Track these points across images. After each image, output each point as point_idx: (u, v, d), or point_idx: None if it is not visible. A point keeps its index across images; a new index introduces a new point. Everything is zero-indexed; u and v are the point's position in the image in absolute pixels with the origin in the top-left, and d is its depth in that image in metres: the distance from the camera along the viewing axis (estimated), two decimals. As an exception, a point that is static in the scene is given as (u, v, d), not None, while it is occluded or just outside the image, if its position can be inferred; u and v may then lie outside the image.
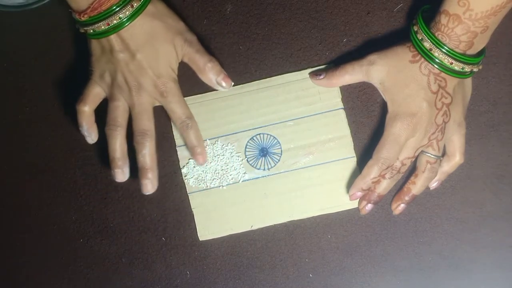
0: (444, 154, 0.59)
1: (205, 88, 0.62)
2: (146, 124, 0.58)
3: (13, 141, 0.65)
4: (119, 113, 0.58)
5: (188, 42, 0.59)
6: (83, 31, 0.57)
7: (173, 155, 0.62)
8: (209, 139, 0.62)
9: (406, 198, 0.59)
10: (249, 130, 0.62)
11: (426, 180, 0.58)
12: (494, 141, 0.61)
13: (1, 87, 0.65)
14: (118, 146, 0.58)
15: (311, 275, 0.62)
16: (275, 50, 0.63)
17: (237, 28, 0.63)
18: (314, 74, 0.60)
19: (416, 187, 0.59)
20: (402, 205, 0.60)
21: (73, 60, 0.64)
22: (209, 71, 0.59)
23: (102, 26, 0.55)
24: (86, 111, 0.59)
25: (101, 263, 0.63)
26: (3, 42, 0.65)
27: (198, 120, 0.61)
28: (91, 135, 0.60)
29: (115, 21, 0.55)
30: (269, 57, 0.63)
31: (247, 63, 0.63)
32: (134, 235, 0.63)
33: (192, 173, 0.62)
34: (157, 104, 0.60)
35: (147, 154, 0.58)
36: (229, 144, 0.62)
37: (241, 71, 0.62)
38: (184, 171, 0.62)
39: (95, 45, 0.58)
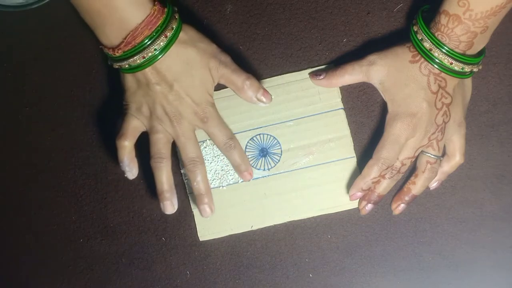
0: (444, 154, 0.59)
1: (205, 88, 0.62)
2: (193, 151, 0.58)
3: (13, 141, 0.65)
4: (162, 145, 0.58)
5: (223, 63, 0.58)
6: (117, 66, 0.56)
7: (174, 155, 0.62)
8: (209, 139, 0.62)
9: (406, 198, 0.59)
10: (249, 130, 0.62)
11: (426, 180, 0.58)
12: (494, 141, 0.61)
13: (1, 87, 0.65)
14: (165, 178, 0.58)
15: (311, 275, 0.62)
16: (275, 50, 0.63)
17: (237, 28, 0.63)
18: (314, 74, 0.60)
19: (416, 187, 0.59)
20: (402, 205, 0.60)
21: (73, 60, 0.64)
22: (248, 89, 0.58)
23: (138, 60, 0.54)
24: (127, 145, 0.58)
25: (101, 263, 0.64)
26: (3, 42, 0.65)
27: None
28: (132, 170, 0.59)
29: (150, 54, 0.54)
30: (269, 57, 0.63)
31: (247, 63, 0.63)
32: (134, 235, 0.63)
33: (192, 173, 0.62)
34: (198, 129, 0.59)
35: (201, 181, 0.59)
36: None
37: (241, 71, 0.62)
38: (184, 171, 0.62)
39: (129, 79, 0.57)
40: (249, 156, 0.62)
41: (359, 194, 0.59)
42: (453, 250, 0.61)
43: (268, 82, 0.62)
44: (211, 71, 0.58)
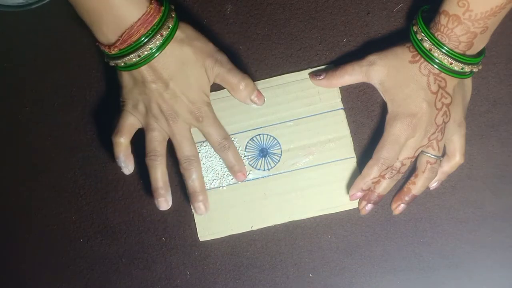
0: (444, 154, 0.59)
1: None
2: (189, 150, 0.59)
3: (13, 141, 0.65)
4: (157, 143, 0.58)
5: (219, 62, 0.58)
6: (113, 64, 0.56)
7: (173, 155, 0.62)
8: (209, 139, 0.62)
9: (406, 198, 0.59)
10: (249, 130, 0.62)
11: (426, 180, 0.58)
12: (494, 141, 0.61)
13: (1, 87, 0.65)
14: (159, 176, 0.59)
15: (311, 275, 0.62)
16: (275, 50, 0.63)
17: (237, 28, 0.63)
18: (314, 75, 0.60)
19: (416, 187, 0.59)
20: (402, 205, 0.60)
21: (73, 60, 0.64)
22: (243, 90, 0.59)
23: (134, 58, 0.54)
24: (123, 142, 0.59)
25: (101, 263, 0.64)
26: (3, 42, 0.65)
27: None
28: (128, 166, 0.60)
29: (146, 52, 0.54)
30: (269, 57, 0.63)
31: (247, 63, 0.63)
32: (134, 235, 0.63)
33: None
34: (193, 127, 0.60)
35: (196, 179, 0.59)
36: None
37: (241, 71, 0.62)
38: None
39: (126, 77, 0.57)
40: (249, 156, 0.62)
41: (359, 194, 0.59)
42: (453, 250, 0.61)
43: (268, 82, 0.62)
44: (206, 70, 0.58)
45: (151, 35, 0.54)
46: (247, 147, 0.62)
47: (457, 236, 0.61)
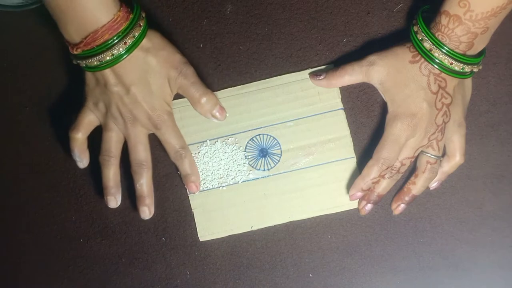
0: (444, 154, 0.59)
1: (205, 88, 0.62)
2: (142, 155, 0.59)
3: (13, 141, 0.65)
4: (112, 144, 0.59)
5: (183, 75, 0.58)
6: (75, 63, 0.57)
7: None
8: (209, 140, 0.62)
9: (406, 198, 0.59)
10: (249, 130, 0.62)
11: (426, 181, 0.58)
12: (494, 141, 0.61)
13: (1, 87, 0.65)
14: (111, 175, 0.60)
15: (311, 275, 0.62)
16: (275, 50, 0.63)
17: (237, 28, 0.63)
18: (314, 75, 0.60)
19: (416, 187, 0.59)
20: (402, 205, 0.60)
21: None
22: (205, 104, 0.59)
23: (94, 62, 0.55)
24: (79, 138, 0.60)
25: (101, 263, 0.64)
26: (3, 42, 0.65)
27: (198, 121, 0.62)
28: (82, 161, 0.61)
29: (107, 58, 0.54)
30: (269, 57, 0.63)
31: (247, 63, 0.63)
32: (134, 235, 0.63)
33: (192, 173, 0.62)
34: (151, 132, 0.60)
35: (144, 183, 0.59)
36: (231, 144, 0.62)
37: (241, 71, 0.62)
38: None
39: (89, 76, 0.58)
40: (249, 156, 0.62)
41: (359, 194, 0.58)
42: (453, 250, 0.61)
43: (268, 83, 0.62)
44: (169, 81, 0.58)
45: (115, 42, 0.54)
46: (247, 147, 0.62)
47: (457, 236, 0.61)
